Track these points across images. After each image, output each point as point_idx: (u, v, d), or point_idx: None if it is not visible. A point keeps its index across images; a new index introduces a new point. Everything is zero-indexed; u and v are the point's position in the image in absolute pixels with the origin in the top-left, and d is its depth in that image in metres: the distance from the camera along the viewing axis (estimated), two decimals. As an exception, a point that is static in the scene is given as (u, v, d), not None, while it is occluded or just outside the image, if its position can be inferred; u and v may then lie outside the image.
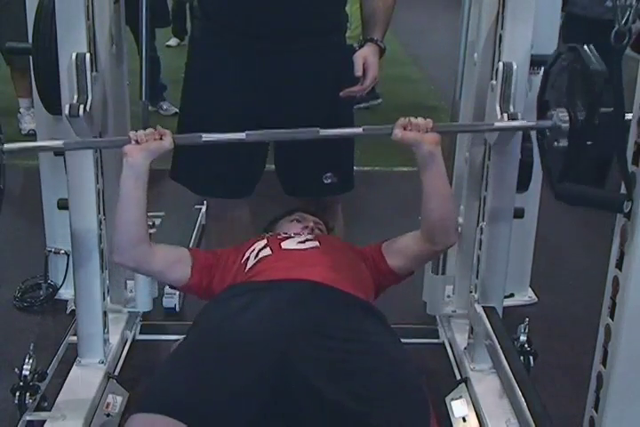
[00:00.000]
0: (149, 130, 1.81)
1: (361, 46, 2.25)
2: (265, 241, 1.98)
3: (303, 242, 1.95)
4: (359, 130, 1.91)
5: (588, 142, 1.64)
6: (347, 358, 1.58)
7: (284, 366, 1.53)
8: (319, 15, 2.21)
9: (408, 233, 1.99)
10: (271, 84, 2.20)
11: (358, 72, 2.21)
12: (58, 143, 1.89)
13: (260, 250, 1.94)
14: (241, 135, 1.87)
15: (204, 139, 1.85)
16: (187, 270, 1.92)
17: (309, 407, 1.50)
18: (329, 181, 2.34)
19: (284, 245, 1.94)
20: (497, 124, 1.95)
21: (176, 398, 1.50)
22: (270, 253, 1.91)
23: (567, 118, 1.72)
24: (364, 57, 2.21)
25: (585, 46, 1.67)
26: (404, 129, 1.83)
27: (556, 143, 1.75)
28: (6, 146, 1.73)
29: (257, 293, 1.75)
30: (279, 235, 2.04)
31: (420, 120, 1.83)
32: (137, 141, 1.79)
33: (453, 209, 1.96)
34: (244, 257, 1.94)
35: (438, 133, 1.85)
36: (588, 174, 1.65)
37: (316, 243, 1.95)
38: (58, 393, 2.05)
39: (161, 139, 1.80)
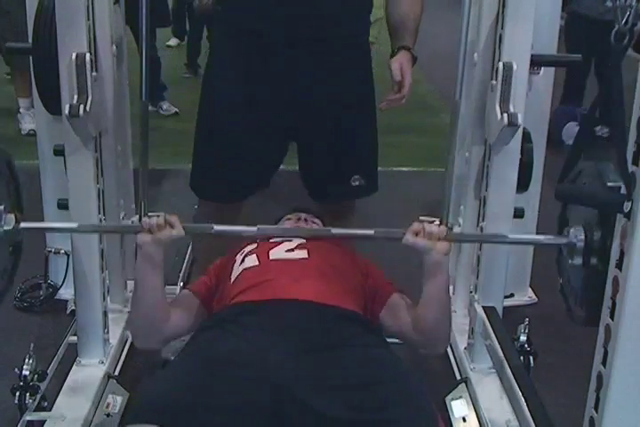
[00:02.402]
0: (161, 218, 1.80)
1: (393, 53, 2.24)
2: (255, 245, 1.97)
3: (292, 250, 1.93)
4: (370, 232, 1.88)
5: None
6: (344, 374, 1.56)
7: (280, 391, 1.50)
8: (347, 20, 2.20)
9: (412, 315, 1.86)
10: (299, 88, 2.18)
11: (398, 77, 2.21)
12: (72, 225, 1.97)
13: (246, 255, 1.93)
14: (252, 229, 1.87)
15: (215, 229, 1.86)
16: (202, 311, 1.92)
17: (310, 424, 1.48)
18: (357, 183, 2.34)
19: (273, 254, 1.91)
20: (511, 236, 1.95)
21: (172, 409, 1.48)
22: (257, 263, 1.89)
23: (582, 237, 1.67)
24: (401, 63, 2.20)
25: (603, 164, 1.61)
26: (417, 235, 1.78)
27: (570, 260, 1.72)
28: (22, 224, 1.80)
29: (244, 317, 1.72)
30: (270, 238, 2.02)
31: (433, 228, 1.78)
32: (149, 230, 1.79)
33: (448, 320, 1.88)
34: (233, 261, 1.94)
35: (450, 242, 1.80)
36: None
37: (305, 253, 1.91)
38: (58, 393, 2.05)
39: (172, 227, 1.80)
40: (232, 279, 1.89)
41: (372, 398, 1.50)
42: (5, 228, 1.76)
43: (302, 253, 1.91)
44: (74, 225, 1.97)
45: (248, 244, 2.00)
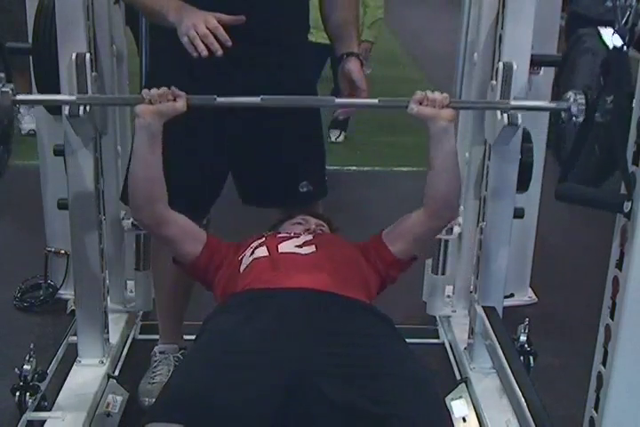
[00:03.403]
0: (163, 89, 1.79)
1: (342, 59, 2.13)
2: (262, 239, 1.97)
3: (301, 246, 1.92)
4: (375, 101, 1.89)
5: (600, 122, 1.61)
6: (359, 364, 1.56)
7: (296, 378, 1.50)
8: (286, 27, 2.11)
9: (407, 215, 1.96)
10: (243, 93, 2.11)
11: (364, 85, 2.16)
12: (71, 98, 1.90)
13: (256, 248, 1.92)
14: (256, 99, 1.85)
15: (218, 100, 1.84)
16: (198, 247, 1.91)
17: (326, 419, 1.48)
18: (304, 189, 2.30)
19: (282, 248, 1.91)
20: (513, 102, 1.94)
21: (190, 407, 1.48)
22: (267, 254, 1.88)
23: (583, 101, 1.70)
24: (359, 72, 2.17)
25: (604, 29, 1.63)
26: (421, 104, 1.81)
27: (575, 119, 1.74)
28: (18, 96, 1.81)
29: (261, 301, 1.72)
30: (278, 233, 2.02)
31: (436, 95, 1.81)
32: (150, 101, 1.78)
33: (459, 185, 1.93)
34: (241, 254, 1.93)
35: (454, 109, 1.83)
36: (595, 162, 1.62)
37: (313, 248, 1.91)
38: (58, 393, 2.05)
39: (175, 100, 1.78)
40: (242, 269, 1.87)
41: (385, 391, 1.50)
42: (3, 89, 1.78)
43: (310, 249, 1.91)
44: (72, 97, 1.90)
45: (254, 240, 1.99)
